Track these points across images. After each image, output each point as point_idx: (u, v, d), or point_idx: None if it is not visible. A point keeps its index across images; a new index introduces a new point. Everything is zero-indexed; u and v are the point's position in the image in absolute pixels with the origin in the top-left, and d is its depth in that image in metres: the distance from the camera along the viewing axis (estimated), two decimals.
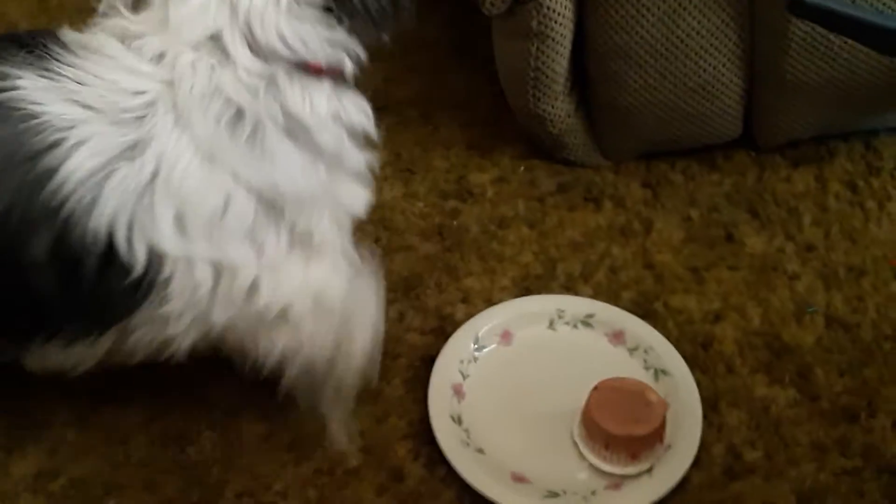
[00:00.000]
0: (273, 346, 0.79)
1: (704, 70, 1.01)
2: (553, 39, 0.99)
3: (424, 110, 1.18)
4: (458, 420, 0.88)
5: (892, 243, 1.03)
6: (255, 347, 0.79)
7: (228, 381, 0.91)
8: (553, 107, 1.05)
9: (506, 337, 0.95)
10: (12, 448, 0.87)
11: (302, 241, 0.77)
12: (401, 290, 0.99)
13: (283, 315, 0.77)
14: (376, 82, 1.22)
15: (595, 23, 0.99)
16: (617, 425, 0.83)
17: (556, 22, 0.97)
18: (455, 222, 1.06)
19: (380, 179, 1.09)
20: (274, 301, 0.76)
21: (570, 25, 0.99)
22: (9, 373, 0.91)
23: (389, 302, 0.98)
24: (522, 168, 1.11)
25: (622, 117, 1.06)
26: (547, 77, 1.02)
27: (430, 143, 1.14)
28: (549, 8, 0.96)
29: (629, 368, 0.91)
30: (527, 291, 0.99)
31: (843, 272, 1.00)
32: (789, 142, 1.12)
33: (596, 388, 0.85)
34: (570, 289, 0.99)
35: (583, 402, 0.86)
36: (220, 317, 0.75)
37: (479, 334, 0.94)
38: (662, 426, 0.84)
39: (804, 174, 1.10)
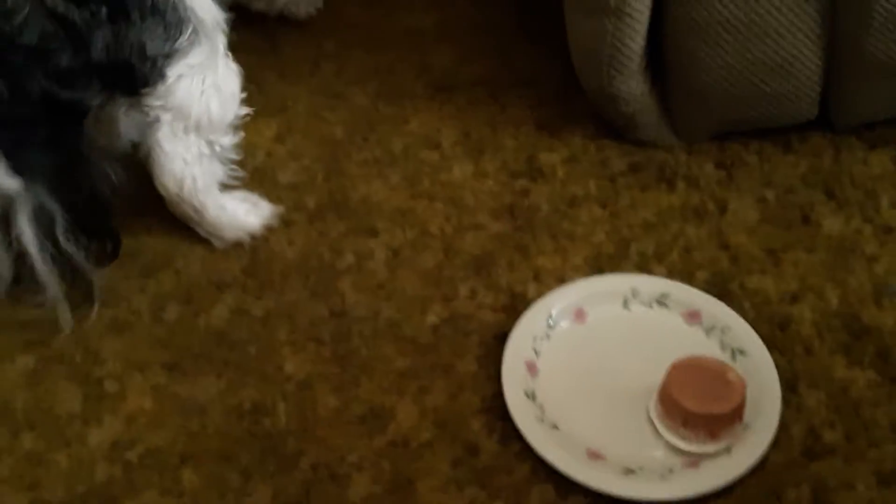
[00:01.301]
0: None
1: (783, 49, 1.00)
2: (630, 16, 0.97)
3: (493, 90, 1.18)
4: (532, 396, 0.87)
5: None
6: None
7: (302, 355, 0.92)
8: (627, 85, 1.03)
9: (579, 315, 0.94)
10: (89, 418, 0.88)
11: None
12: (472, 268, 0.99)
13: None
14: (445, 63, 1.22)
15: (672, 0, 0.98)
16: (696, 403, 0.82)
17: None
18: (526, 201, 1.05)
19: (449, 158, 1.10)
20: None
21: (648, 2, 0.98)
22: (82, 346, 0.93)
23: (460, 280, 0.98)
24: (593, 147, 1.10)
25: (697, 96, 1.04)
26: (623, 55, 1.00)
27: (500, 123, 1.14)
28: None
29: (706, 348, 0.90)
30: (599, 271, 0.98)
31: None
32: (866, 123, 1.10)
33: (674, 365, 0.84)
34: (643, 268, 0.98)
35: (658, 381, 0.85)
36: None
37: (553, 312, 0.93)
38: (742, 405, 0.82)
39: (881, 156, 1.08)
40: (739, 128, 1.09)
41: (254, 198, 1.05)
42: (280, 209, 1.05)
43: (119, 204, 0.96)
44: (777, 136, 1.10)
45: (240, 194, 1.04)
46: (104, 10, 0.88)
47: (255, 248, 1.01)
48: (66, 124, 0.92)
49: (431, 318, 0.95)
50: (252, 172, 1.08)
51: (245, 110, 1.01)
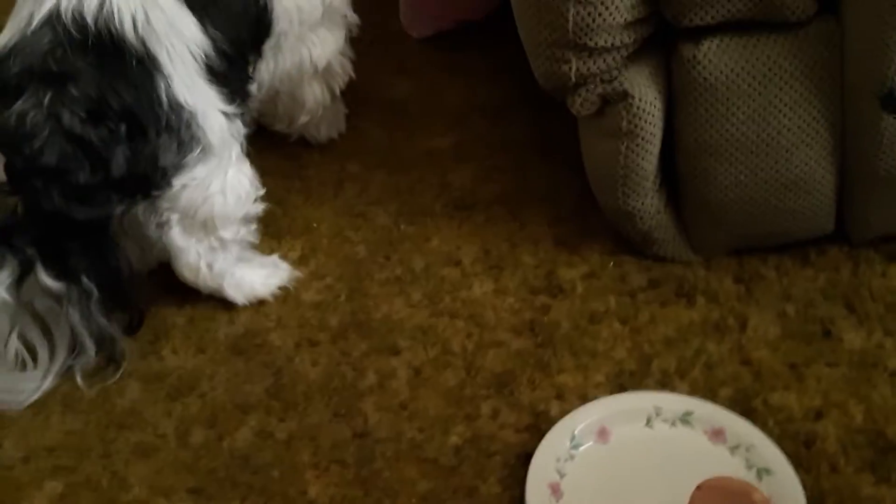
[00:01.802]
0: None
1: (796, 166, 1.02)
2: (643, 138, 1.00)
3: (511, 207, 1.20)
4: None
5: None
6: None
7: (325, 478, 0.92)
8: (643, 203, 1.05)
9: (602, 434, 0.94)
10: None
11: None
12: (494, 387, 0.99)
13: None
14: (464, 182, 1.25)
15: (684, 121, 1.01)
16: None
17: (645, 121, 0.99)
18: (546, 318, 1.06)
19: (470, 276, 1.12)
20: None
21: (660, 124, 1.01)
22: (109, 471, 0.93)
23: (482, 399, 0.99)
24: (612, 264, 1.12)
25: (713, 213, 1.06)
26: (636, 175, 1.03)
27: (518, 240, 1.16)
28: (638, 107, 0.98)
29: (731, 467, 0.89)
30: (621, 388, 0.99)
31: None
32: (883, 237, 1.11)
33: (699, 487, 0.84)
34: (665, 385, 0.98)
35: (684, 502, 0.84)
36: None
37: (576, 432, 0.93)
38: None
39: None
40: (756, 243, 1.10)
41: (272, 260, 1.12)
42: (297, 275, 1.12)
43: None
44: (795, 250, 1.11)
45: (258, 260, 1.11)
46: (123, 127, 0.93)
47: (279, 369, 1.02)
48: (95, 233, 0.99)
49: (454, 439, 0.95)
50: (277, 293, 1.10)
51: (260, 207, 1.09)
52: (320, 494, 0.91)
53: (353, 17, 1.21)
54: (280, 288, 1.10)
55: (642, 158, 1.02)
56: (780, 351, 1.01)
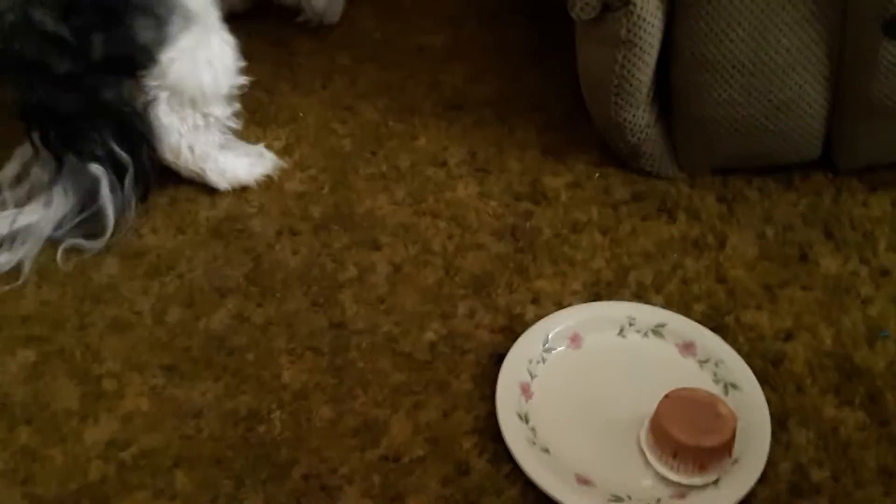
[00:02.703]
0: None
1: (790, 88, 1.01)
2: (640, 48, 0.99)
3: (501, 111, 1.19)
4: (524, 418, 0.88)
5: None
6: None
7: (299, 364, 0.93)
8: (634, 115, 1.05)
9: (575, 340, 0.95)
10: (86, 416, 0.89)
11: None
12: (472, 288, 1.00)
13: None
14: (455, 82, 1.23)
15: (683, 33, 1.00)
16: (686, 435, 0.83)
17: (644, 31, 0.98)
18: (528, 224, 1.06)
19: (455, 177, 1.12)
20: None
21: (659, 35, 0.99)
22: (83, 343, 0.94)
23: (460, 298, 0.99)
24: (597, 175, 1.12)
25: (703, 130, 1.06)
26: (631, 86, 1.02)
27: (506, 145, 1.15)
28: (639, 16, 0.97)
29: (699, 380, 0.91)
30: (598, 297, 1.00)
31: None
32: (868, 166, 1.11)
33: (667, 396, 0.85)
34: (641, 297, 0.99)
35: (651, 410, 0.86)
36: None
37: (550, 335, 0.94)
38: (732, 439, 0.83)
39: (881, 199, 1.09)
40: (743, 164, 1.10)
41: (258, 150, 1.12)
42: (282, 165, 1.11)
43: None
44: (779, 174, 1.11)
45: (243, 148, 1.10)
46: (96, 17, 0.95)
47: (259, 255, 1.02)
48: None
49: (429, 335, 0.96)
50: (259, 180, 1.09)
51: (243, 80, 1.08)
52: (294, 380, 0.92)
53: None
54: (264, 176, 1.09)
55: (638, 69, 1.01)
56: (756, 271, 1.02)
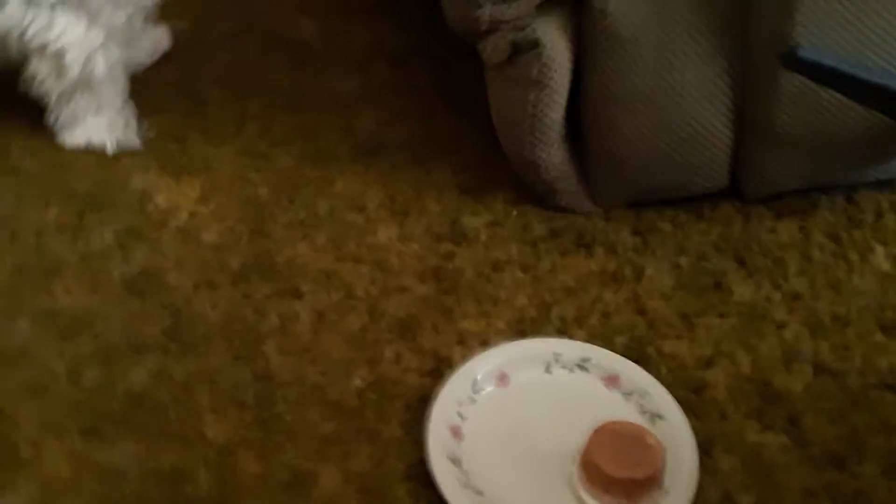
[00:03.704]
0: None
1: (696, 121, 1.04)
2: (551, 88, 1.01)
3: (416, 154, 1.20)
4: (456, 462, 0.88)
5: (874, 294, 1.06)
6: None
7: (224, 420, 0.91)
8: (548, 154, 1.07)
9: (503, 379, 0.95)
10: (3, 484, 0.85)
11: None
12: (397, 332, 1.00)
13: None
14: (369, 127, 1.24)
15: (591, 71, 1.02)
16: (617, 468, 0.83)
17: (554, 70, 1.00)
18: (450, 265, 1.07)
19: (374, 221, 1.12)
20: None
21: (568, 74, 1.02)
22: None
23: (386, 343, 0.99)
24: (515, 213, 1.13)
25: (614, 165, 1.08)
26: (543, 125, 1.04)
27: (424, 186, 1.16)
28: (548, 57, 0.99)
29: (625, 412, 0.92)
30: (522, 334, 1.00)
31: (828, 321, 1.02)
32: (774, 194, 1.15)
33: (596, 431, 0.86)
34: (564, 332, 1.00)
35: (580, 445, 0.87)
36: None
37: (477, 377, 0.94)
38: (661, 470, 0.85)
39: (788, 225, 1.13)
40: (654, 196, 1.13)
41: (128, 115, 1.17)
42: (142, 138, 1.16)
43: None
44: (690, 205, 1.14)
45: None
46: None
47: (177, 310, 1.00)
48: None
49: (356, 382, 0.95)
50: (175, 232, 1.07)
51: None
52: (218, 435, 0.90)
53: None
54: (178, 229, 1.08)
55: (550, 108, 1.02)
56: (673, 301, 1.04)
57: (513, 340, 0.99)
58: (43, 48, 1.10)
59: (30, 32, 1.10)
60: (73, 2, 1.09)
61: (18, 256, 1.04)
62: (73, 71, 1.12)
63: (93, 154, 1.16)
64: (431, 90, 1.29)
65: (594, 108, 1.05)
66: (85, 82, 1.13)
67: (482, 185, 1.16)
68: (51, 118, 1.16)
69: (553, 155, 1.07)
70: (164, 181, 1.13)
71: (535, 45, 0.98)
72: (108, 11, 1.11)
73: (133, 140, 1.16)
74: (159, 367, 0.95)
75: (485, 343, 0.99)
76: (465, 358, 0.96)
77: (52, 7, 1.09)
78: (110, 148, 1.15)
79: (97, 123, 1.15)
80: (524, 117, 1.03)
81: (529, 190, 1.14)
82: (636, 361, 0.97)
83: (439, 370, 0.96)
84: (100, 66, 1.13)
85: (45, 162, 1.15)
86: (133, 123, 1.17)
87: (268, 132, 1.22)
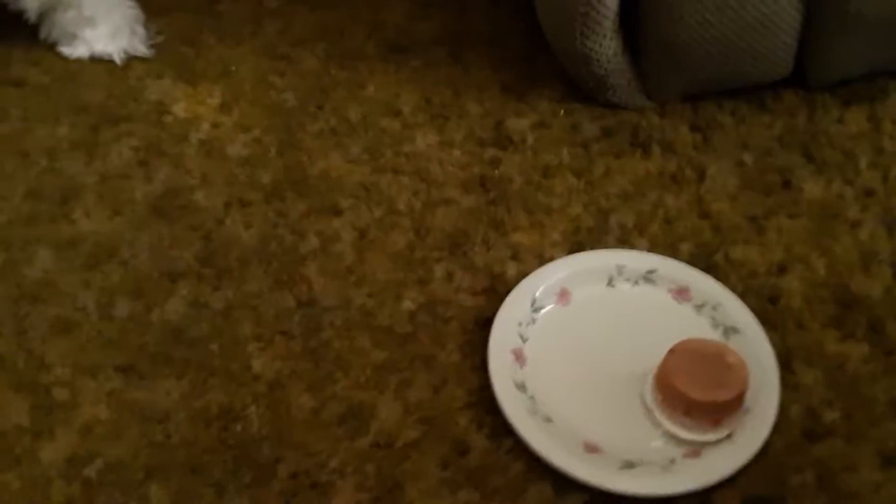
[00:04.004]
0: None
1: (765, 4, 0.95)
2: None
3: (452, 50, 1.11)
4: (522, 387, 0.82)
5: None
6: None
7: (270, 350, 0.85)
8: (601, 45, 0.97)
9: (563, 296, 0.89)
10: (39, 432, 0.80)
11: None
12: (447, 248, 0.93)
13: None
14: (398, 20, 1.14)
15: None
16: (699, 391, 0.78)
17: None
18: (497, 172, 0.99)
19: (412, 126, 1.03)
20: None
21: None
22: (24, 349, 0.84)
23: (434, 261, 0.92)
24: (562, 112, 1.04)
25: (674, 54, 0.99)
26: (598, 13, 0.94)
27: (462, 86, 1.07)
28: None
29: (697, 326, 0.86)
30: (579, 246, 0.93)
31: None
32: (840, 81, 1.06)
33: (672, 350, 0.80)
34: (625, 242, 0.94)
35: (651, 364, 0.81)
36: None
37: (536, 294, 0.88)
38: (745, 390, 0.79)
39: (857, 114, 1.05)
40: (713, 87, 1.04)
41: (133, 20, 1.07)
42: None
43: None
44: (751, 96, 1.05)
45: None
46: None
47: (208, 232, 0.93)
48: None
49: (407, 305, 0.88)
50: (198, 146, 0.99)
51: None
52: (266, 368, 0.84)
53: None
54: (201, 142, 0.99)
55: None
56: (739, 202, 0.97)
57: (570, 253, 0.92)
58: None
59: None
60: None
61: (31, 179, 0.96)
62: None
63: (101, 63, 1.07)
64: None
65: None
66: (55, 4, 1.03)
67: (525, 82, 1.07)
68: (42, 32, 1.06)
69: (606, 46, 0.98)
70: (180, 89, 1.04)
71: None
72: None
73: (141, 48, 1.07)
74: (195, 296, 0.88)
75: (540, 257, 0.92)
76: (520, 274, 0.90)
77: None
78: (118, 58, 1.06)
79: (97, 34, 1.06)
80: (576, 5, 0.94)
81: (576, 86, 1.06)
82: (704, 270, 0.90)
83: (494, 289, 0.90)
84: None
85: (49, 73, 1.06)
86: (140, 30, 1.07)
87: (288, 30, 1.12)
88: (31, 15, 1.03)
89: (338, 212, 0.95)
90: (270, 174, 0.98)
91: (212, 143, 1.00)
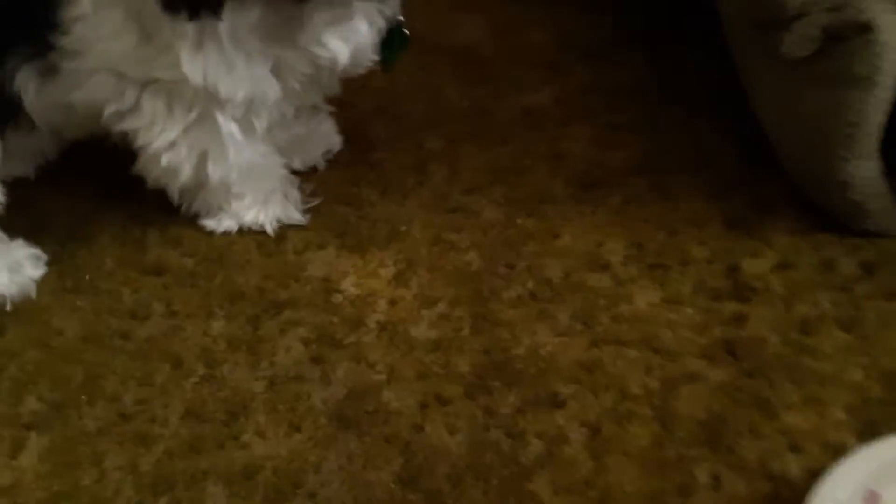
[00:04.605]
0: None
1: None
2: (880, 86, 0.73)
3: (654, 180, 0.93)
4: None
5: None
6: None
7: None
8: (862, 168, 0.79)
9: (872, 500, 0.69)
10: None
11: None
12: (705, 442, 0.73)
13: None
14: (581, 150, 0.97)
15: None
16: None
17: (888, 62, 0.72)
18: (743, 333, 0.80)
19: (626, 282, 0.85)
20: None
21: None
22: None
23: (693, 461, 0.73)
24: (807, 246, 0.86)
25: None
26: (864, 133, 0.76)
27: (675, 224, 0.89)
28: (883, 45, 0.71)
29: None
30: (872, 426, 0.73)
31: None
32: None
33: None
34: None
35: None
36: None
37: (841, 500, 0.68)
38: None
39: None
40: None
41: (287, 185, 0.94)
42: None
43: None
44: None
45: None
46: None
47: (407, 443, 0.75)
48: None
49: None
50: (377, 330, 0.83)
51: None
52: None
53: None
54: (380, 325, 0.83)
55: (875, 111, 0.75)
56: None
57: (861, 435, 0.73)
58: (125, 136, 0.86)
59: (108, 112, 0.84)
60: (162, 85, 0.82)
61: (188, 393, 0.80)
62: (184, 174, 0.87)
63: (251, 236, 0.92)
64: (646, 89, 1.02)
65: None
66: (200, 185, 0.89)
67: (752, 213, 0.89)
68: (182, 207, 0.92)
69: (868, 169, 0.79)
70: (347, 260, 0.88)
71: (865, 28, 0.70)
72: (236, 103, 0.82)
73: (296, 216, 0.92)
74: None
75: (824, 444, 0.72)
76: (806, 472, 0.70)
77: (143, 87, 0.83)
78: (270, 229, 0.91)
79: (245, 203, 0.91)
80: (838, 125, 0.76)
81: (814, 210, 0.87)
82: None
83: (777, 494, 0.70)
84: (214, 174, 0.87)
85: (193, 254, 0.91)
86: (294, 193, 0.93)
87: (457, 175, 0.96)
88: (173, 194, 0.90)
89: (559, 403, 0.77)
90: (468, 360, 0.80)
91: (393, 326, 0.83)
